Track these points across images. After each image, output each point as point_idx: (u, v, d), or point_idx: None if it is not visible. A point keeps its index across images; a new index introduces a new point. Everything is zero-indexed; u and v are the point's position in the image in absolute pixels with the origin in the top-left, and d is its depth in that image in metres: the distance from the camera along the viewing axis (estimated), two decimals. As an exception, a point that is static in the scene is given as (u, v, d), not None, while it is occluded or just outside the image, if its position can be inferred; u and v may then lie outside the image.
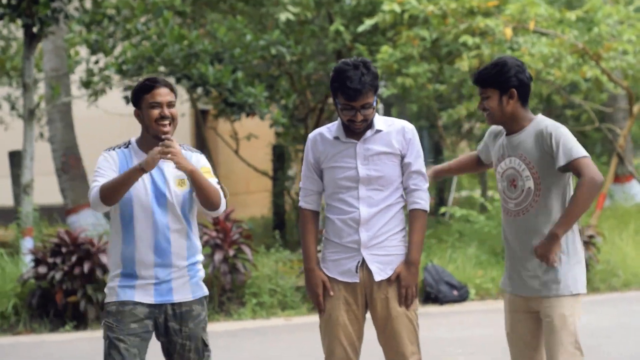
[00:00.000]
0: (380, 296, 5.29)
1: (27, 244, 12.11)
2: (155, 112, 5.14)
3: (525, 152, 5.25)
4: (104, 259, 10.89)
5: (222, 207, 5.20)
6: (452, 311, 11.89)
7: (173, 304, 5.20)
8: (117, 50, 14.71)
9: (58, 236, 11.26)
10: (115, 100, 16.01)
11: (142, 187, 5.14)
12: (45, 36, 12.80)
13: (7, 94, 18.00)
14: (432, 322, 10.46)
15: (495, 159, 5.45)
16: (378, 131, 5.32)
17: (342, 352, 5.31)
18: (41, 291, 11.03)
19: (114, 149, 5.27)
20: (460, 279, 12.72)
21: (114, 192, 5.03)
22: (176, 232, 5.18)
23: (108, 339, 5.15)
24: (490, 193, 18.25)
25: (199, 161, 5.26)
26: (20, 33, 17.07)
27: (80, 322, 10.97)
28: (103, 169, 5.18)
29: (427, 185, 5.33)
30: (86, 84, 15.00)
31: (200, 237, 10.81)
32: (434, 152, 24.35)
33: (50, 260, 10.99)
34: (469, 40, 13.86)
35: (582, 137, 22.35)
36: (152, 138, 5.17)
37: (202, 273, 5.32)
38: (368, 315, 5.40)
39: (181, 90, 16.69)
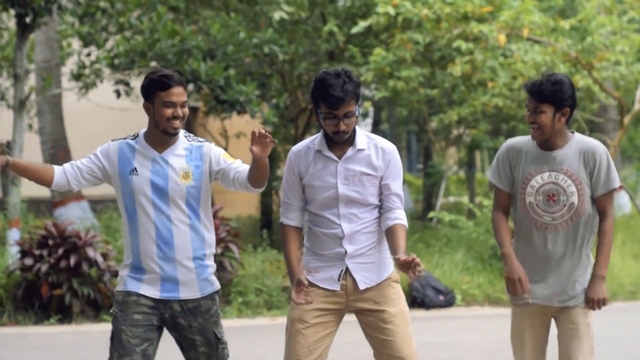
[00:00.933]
0: (367, 304, 5.28)
1: (14, 235, 12.06)
2: (169, 111, 5.13)
3: (571, 168, 5.39)
4: (90, 252, 10.86)
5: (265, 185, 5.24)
6: (438, 316, 11.89)
7: (180, 301, 5.19)
8: (110, 44, 14.66)
9: (45, 228, 11.21)
10: (106, 93, 15.96)
11: (144, 180, 5.14)
12: (37, 27, 12.75)
13: (-3, 85, 17.92)
14: (418, 326, 10.35)
15: (523, 174, 5.49)
16: (360, 150, 5.29)
17: (304, 350, 5.27)
18: (27, 283, 10.98)
19: (119, 140, 5.30)
20: (447, 284, 12.73)
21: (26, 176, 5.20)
22: (179, 224, 5.17)
23: (113, 327, 5.18)
24: (478, 199, 18.24)
25: (211, 150, 5.25)
26: (12, 23, 17.00)
27: (65, 315, 10.93)
28: (86, 157, 5.29)
29: (403, 206, 5.34)
30: (77, 77, 14.94)
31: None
32: (423, 157, 24.39)
33: (36, 252, 10.95)
34: (462, 45, 13.87)
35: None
36: (160, 133, 5.17)
37: (212, 269, 5.29)
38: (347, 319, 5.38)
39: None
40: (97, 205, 17.16)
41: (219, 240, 11.56)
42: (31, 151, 16.19)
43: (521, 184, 5.47)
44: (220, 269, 11.56)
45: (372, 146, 5.31)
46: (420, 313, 11.90)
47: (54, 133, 15.33)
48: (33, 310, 10.99)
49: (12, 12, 12.60)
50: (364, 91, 19.28)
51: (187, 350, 5.29)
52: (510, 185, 5.52)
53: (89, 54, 15.08)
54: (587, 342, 5.45)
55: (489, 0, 14.25)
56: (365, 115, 22.71)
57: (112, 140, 5.30)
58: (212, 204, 5.58)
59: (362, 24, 14.37)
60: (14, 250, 11.74)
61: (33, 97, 15.53)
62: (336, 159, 5.28)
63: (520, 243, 5.53)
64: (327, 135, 5.28)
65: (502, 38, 13.68)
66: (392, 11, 13.85)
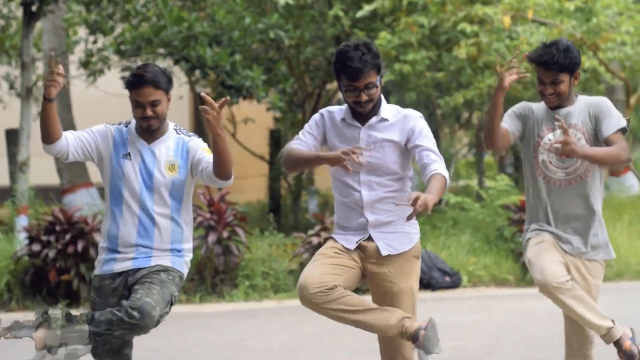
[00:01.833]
0: (383, 270, 5.37)
1: (22, 221, 12.14)
2: (138, 111, 5.20)
3: (580, 122, 5.56)
4: (97, 237, 10.91)
5: (232, 178, 5.24)
6: (444, 297, 11.93)
7: (149, 266, 5.21)
8: (116, 31, 14.70)
9: (52, 214, 11.29)
10: (114, 81, 15.99)
11: (131, 168, 5.20)
12: (44, 15, 12.80)
13: (5, 73, 18.00)
14: (424, 307, 10.38)
15: (536, 132, 5.65)
16: (384, 120, 5.35)
17: (328, 269, 5.36)
18: (34, 269, 11.07)
19: (114, 125, 5.35)
20: (453, 265, 12.76)
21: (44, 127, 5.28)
22: (162, 215, 5.23)
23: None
24: (487, 183, 18.25)
25: (197, 144, 5.34)
26: (20, 12, 17.06)
27: (73, 300, 11.01)
28: (85, 131, 5.38)
29: (441, 160, 5.27)
30: (85, 64, 15.00)
31: (195, 219, 10.90)
32: (431, 140, 24.30)
33: (44, 238, 11.02)
34: (468, 28, 13.86)
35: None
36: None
37: (186, 259, 5.34)
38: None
39: (180, 73, 16.68)
40: (106, 192, 17.20)
41: (225, 225, 11.62)
42: (39, 139, 16.24)
43: (534, 143, 5.64)
44: (227, 252, 11.63)
45: (396, 115, 5.37)
46: (426, 294, 11.93)
47: (62, 121, 15.07)
48: (41, 295, 11.07)
49: (19, 0, 12.65)
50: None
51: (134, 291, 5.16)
52: (517, 132, 5.67)
53: (95, 41, 15.13)
54: (595, 299, 5.66)
55: (493, -17, 14.24)
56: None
57: (109, 124, 5.37)
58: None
59: (367, 8, 14.37)
60: (22, 237, 11.82)
61: (40, 85, 15.60)
62: (359, 125, 5.35)
63: (535, 201, 5.69)
64: (351, 106, 5.36)
65: (507, 20, 13.67)
66: (396, -5, 13.86)
